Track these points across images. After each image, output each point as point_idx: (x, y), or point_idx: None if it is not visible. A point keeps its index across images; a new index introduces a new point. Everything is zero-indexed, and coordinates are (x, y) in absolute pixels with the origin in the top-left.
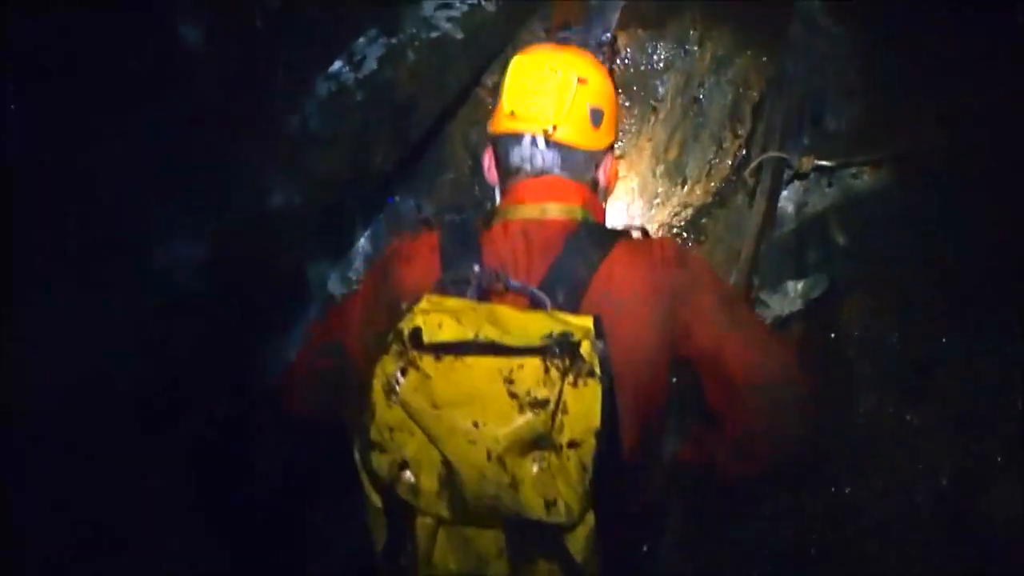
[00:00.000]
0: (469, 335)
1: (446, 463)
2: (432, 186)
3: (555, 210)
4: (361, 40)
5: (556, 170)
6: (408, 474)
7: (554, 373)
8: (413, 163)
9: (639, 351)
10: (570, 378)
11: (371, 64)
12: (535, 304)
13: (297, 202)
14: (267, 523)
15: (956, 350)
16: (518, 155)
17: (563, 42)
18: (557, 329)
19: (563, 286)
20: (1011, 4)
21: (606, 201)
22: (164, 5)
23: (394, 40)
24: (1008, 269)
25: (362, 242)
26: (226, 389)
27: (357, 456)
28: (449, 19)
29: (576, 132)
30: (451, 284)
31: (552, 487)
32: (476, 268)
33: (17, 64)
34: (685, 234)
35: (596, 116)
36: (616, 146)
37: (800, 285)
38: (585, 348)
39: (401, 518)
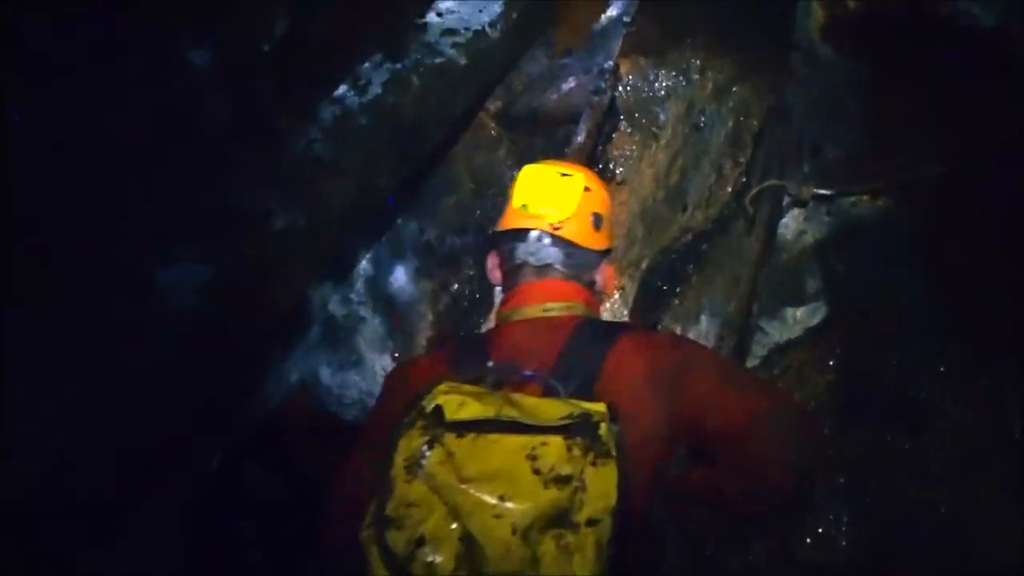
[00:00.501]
0: (491, 413)
1: (466, 539)
2: (435, 209)
3: (557, 308)
4: (366, 65)
5: (559, 266)
6: (426, 551)
7: (576, 451)
8: (416, 186)
9: (649, 429)
10: (590, 457)
11: (375, 89)
12: (549, 391)
13: (300, 224)
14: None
15: (954, 379)
16: (524, 250)
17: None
18: (577, 411)
19: (575, 375)
20: (1009, 37)
21: (602, 302)
22: (172, 29)
23: (399, 65)
24: (1006, 298)
25: (364, 264)
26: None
27: (366, 535)
28: (453, 45)
29: (580, 231)
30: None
31: (569, 565)
32: (490, 363)
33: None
34: (685, 259)
35: (597, 221)
36: (617, 172)
37: (798, 312)
38: (603, 430)
39: None
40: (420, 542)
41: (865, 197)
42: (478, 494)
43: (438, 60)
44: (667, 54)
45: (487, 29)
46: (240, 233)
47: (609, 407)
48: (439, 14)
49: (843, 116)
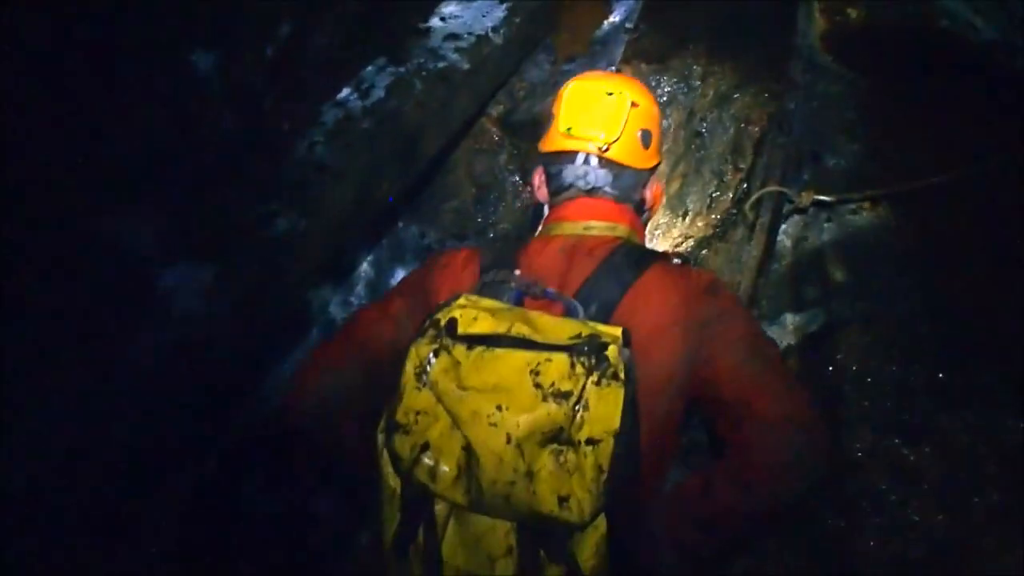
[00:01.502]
0: (502, 329)
1: (467, 449)
2: (436, 214)
3: (598, 228)
4: (369, 69)
5: (608, 188)
6: (428, 457)
7: (579, 369)
8: (418, 191)
9: (661, 372)
10: (594, 377)
11: (378, 93)
12: (568, 312)
13: (302, 227)
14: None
15: (953, 391)
16: (572, 173)
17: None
18: (587, 331)
19: (596, 299)
20: (1009, 50)
21: (648, 222)
22: (175, 32)
23: (402, 69)
24: (1006, 306)
25: (364, 267)
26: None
27: (380, 438)
28: (456, 50)
29: (627, 151)
30: (488, 287)
31: (567, 483)
32: (517, 272)
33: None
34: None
35: (646, 138)
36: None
37: (797, 319)
38: (612, 352)
39: (416, 504)
40: (424, 448)
41: (866, 205)
42: (476, 402)
43: (441, 65)
44: (669, 61)
45: (490, 34)
46: (243, 237)
47: (624, 332)
48: (442, 19)
49: (844, 124)
